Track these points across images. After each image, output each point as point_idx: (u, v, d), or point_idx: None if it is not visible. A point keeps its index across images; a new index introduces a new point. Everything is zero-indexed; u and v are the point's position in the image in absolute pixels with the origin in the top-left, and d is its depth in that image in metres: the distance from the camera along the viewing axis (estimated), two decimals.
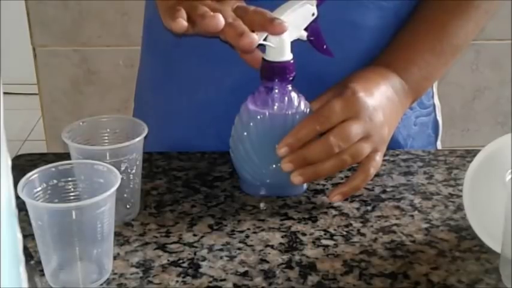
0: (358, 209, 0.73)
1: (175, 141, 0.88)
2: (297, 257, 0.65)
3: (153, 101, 0.92)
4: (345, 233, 0.69)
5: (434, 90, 0.94)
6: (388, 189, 0.77)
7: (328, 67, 0.79)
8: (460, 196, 0.74)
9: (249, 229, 0.70)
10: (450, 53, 0.82)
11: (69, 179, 0.63)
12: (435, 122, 0.95)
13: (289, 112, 0.72)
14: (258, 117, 0.72)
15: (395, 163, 0.83)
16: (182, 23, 0.65)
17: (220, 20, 0.65)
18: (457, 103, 1.92)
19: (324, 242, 0.68)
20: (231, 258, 0.65)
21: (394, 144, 0.85)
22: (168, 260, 0.64)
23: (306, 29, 0.73)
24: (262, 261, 0.64)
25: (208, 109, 0.85)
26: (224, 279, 0.62)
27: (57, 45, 1.82)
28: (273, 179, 0.74)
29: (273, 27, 0.67)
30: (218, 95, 0.83)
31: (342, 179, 0.79)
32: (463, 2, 0.81)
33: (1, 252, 0.31)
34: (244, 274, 0.63)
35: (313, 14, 0.73)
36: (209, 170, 0.81)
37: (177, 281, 0.62)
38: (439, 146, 0.97)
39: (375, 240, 0.68)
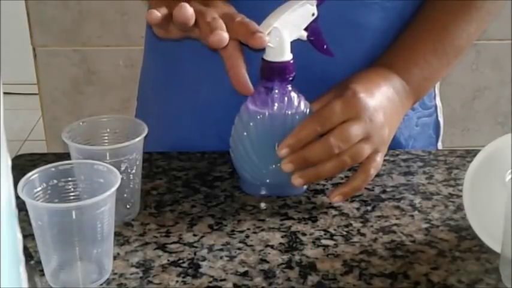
0: (358, 209, 0.74)
1: (176, 140, 0.89)
2: (297, 257, 0.65)
3: (155, 100, 0.92)
4: (345, 233, 0.69)
5: (436, 91, 0.94)
6: (388, 189, 0.77)
7: (330, 67, 0.79)
8: (460, 196, 0.74)
9: (249, 229, 0.70)
10: (452, 54, 0.82)
11: (69, 179, 0.63)
12: (436, 123, 0.95)
13: (289, 112, 0.72)
14: (258, 117, 0.72)
15: (395, 163, 0.83)
16: (155, 14, 0.65)
17: (187, 10, 0.64)
18: (457, 103, 1.92)
19: (324, 242, 0.68)
20: (231, 258, 0.65)
21: (395, 145, 0.85)
22: (168, 260, 0.65)
23: (306, 29, 0.73)
24: (262, 261, 0.64)
25: (210, 109, 0.85)
26: (224, 279, 0.62)
27: (57, 45, 1.82)
28: (273, 179, 0.74)
29: (253, 40, 0.66)
30: (220, 95, 0.83)
31: (342, 179, 0.79)
32: (465, 3, 0.80)
33: (1, 252, 0.31)
34: (244, 274, 0.63)
35: (313, 14, 0.73)
36: (209, 170, 0.81)
37: (177, 281, 0.62)
38: (439, 146, 0.97)
39: (375, 240, 0.68)
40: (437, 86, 0.93)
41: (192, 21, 0.65)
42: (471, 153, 0.85)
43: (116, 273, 0.63)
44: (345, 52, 0.80)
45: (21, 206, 0.45)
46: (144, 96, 0.96)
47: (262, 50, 0.69)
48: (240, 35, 0.67)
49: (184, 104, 0.87)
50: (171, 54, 0.87)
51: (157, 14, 0.66)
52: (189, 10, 0.64)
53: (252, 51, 0.69)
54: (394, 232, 0.69)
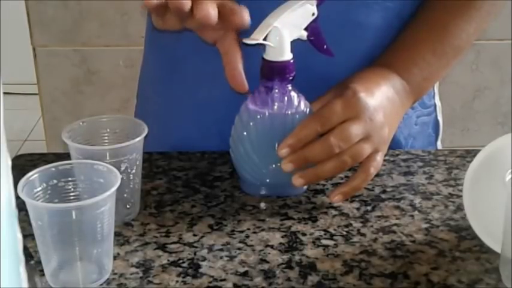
0: (358, 209, 0.74)
1: (177, 140, 0.89)
2: (297, 257, 0.65)
3: (155, 99, 0.92)
4: (345, 233, 0.69)
5: (436, 90, 0.94)
6: (388, 189, 0.77)
7: (330, 67, 0.79)
8: (460, 196, 0.74)
9: (249, 229, 0.70)
10: (451, 53, 0.82)
11: (69, 179, 0.63)
12: (436, 122, 0.95)
13: (289, 112, 0.72)
14: (258, 117, 0.72)
15: (395, 163, 0.83)
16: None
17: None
18: (457, 103, 1.92)
19: (324, 242, 0.68)
20: (231, 258, 0.65)
21: (395, 144, 0.85)
22: (168, 260, 0.65)
23: (306, 29, 0.73)
24: (262, 261, 0.64)
25: (210, 109, 0.85)
26: (224, 279, 0.62)
27: (57, 45, 1.82)
28: (273, 179, 0.74)
29: (234, 19, 0.67)
30: (221, 94, 0.83)
31: (342, 179, 0.79)
32: (465, 3, 0.81)
33: (1, 252, 0.31)
34: (244, 274, 0.63)
35: (313, 14, 0.73)
36: (209, 170, 0.81)
37: (177, 281, 0.62)
38: (439, 145, 0.97)
39: (375, 240, 0.68)
40: (436, 85, 0.93)
41: (188, 6, 0.65)
42: (471, 153, 0.85)
43: (116, 273, 0.63)
44: (345, 52, 0.80)
45: (21, 206, 0.45)
46: (144, 95, 0.96)
47: (251, 46, 0.69)
48: (228, 19, 0.67)
49: (184, 104, 0.87)
50: (171, 53, 0.87)
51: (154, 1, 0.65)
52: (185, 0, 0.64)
53: (251, 48, 0.69)
54: (394, 232, 0.69)
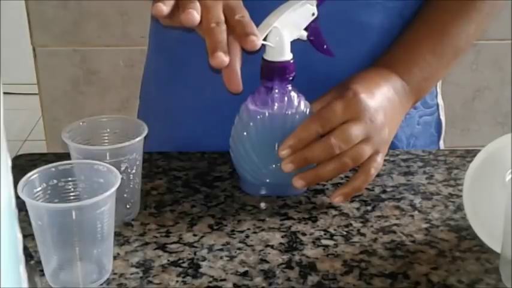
0: (358, 209, 0.74)
1: (180, 140, 0.89)
2: (297, 257, 0.65)
3: (159, 100, 0.92)
4: (345, 233, 0.69)
5: (438, 90, 0.95)
6: (388, 189, 0.77)
7: (331, 68, 0.79)
8: (460, 196, 0.74)
9: (249, 229, 0.70)
10: (451, 54, 0.82)
11: (69, 179, 0.63)
12: (438, 122, 0.95)
13: (289, 112, 0.72)
14: (258, 117, 0.72)
15: (395, 163, 0.83)
16: (161, 7, 0.65)
17: (195, 17, 0.64)
18: (457, 103, 1.92)
19: (324, 242, 0.68)
20: (231, 258, 0.65)
21: (397, 143, 0.85)
22: (168, 260, 0.65)
23: (306, 29, 0.73)
24: (262, 261, 0.64)
25: (214, 109, 0.85)
26: (224, 279, 0.62)
27: (57, 45, 1.82)
28: (273, 179, 0.74)
29: (245, 43, 0.65)
30: (224, 94, 0.82)
31: (342, 179, 0.79)
32: (465, 4, 0.81)
33: (1, 252, 0.31)
34: (244, 274, 0.63)
35: (313, 14, 0.73)
36: (209, 170, 0.81)
37: (177, 281, 0.62)
38: (441, 145, 0.97)
39: (375, 240, 0.68)
40: (438, 84, 0.93)
41: (199, 19, 0.65)
42: (471, 153, 0.85)
43: (116, 273, 0.63)
44: (345, 52, 0.80)
45: (21, 206, 0.45)
46: (148, 96, 0.96)
47: (255, 52, 0.68)
48: (235, 33, 0.67)
49: (188, 104, 0.87)
50: (175, 55, 0.87)
51: (163, 7, 0.65)
52: (196, 18, 0.64)
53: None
54: (394, 232, 0.69)
